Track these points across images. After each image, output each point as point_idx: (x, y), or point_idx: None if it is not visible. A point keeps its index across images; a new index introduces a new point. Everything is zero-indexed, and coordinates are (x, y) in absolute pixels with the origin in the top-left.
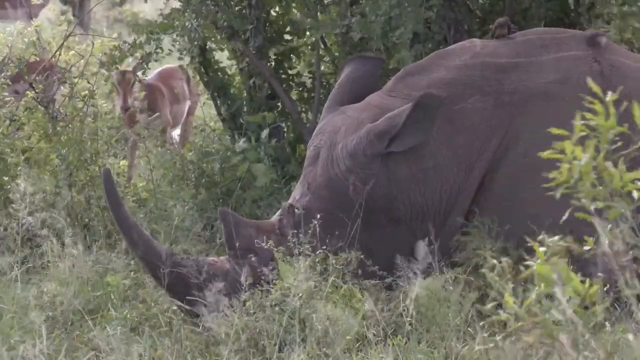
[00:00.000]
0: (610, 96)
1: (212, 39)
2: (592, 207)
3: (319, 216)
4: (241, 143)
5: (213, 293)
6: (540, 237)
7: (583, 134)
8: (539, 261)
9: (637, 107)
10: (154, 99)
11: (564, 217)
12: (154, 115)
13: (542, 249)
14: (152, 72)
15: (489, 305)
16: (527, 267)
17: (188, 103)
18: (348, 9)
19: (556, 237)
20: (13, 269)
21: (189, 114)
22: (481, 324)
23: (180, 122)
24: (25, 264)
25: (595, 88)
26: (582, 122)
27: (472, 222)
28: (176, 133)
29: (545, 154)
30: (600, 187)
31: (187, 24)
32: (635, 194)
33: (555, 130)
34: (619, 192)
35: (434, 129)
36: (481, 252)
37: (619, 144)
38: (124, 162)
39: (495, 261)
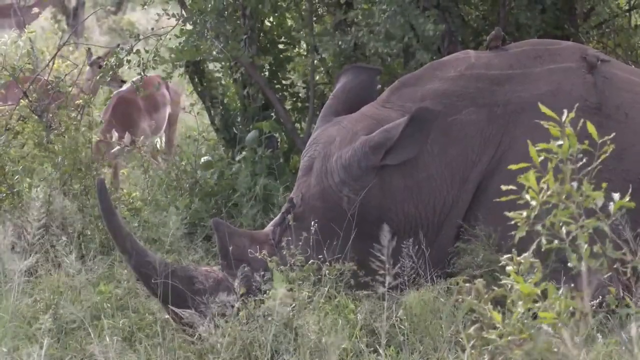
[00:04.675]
0: (566, 117)
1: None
2: (564, 232)
3: (318, 227)
4: (244, 153)
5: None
6: (509, 255)
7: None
8: (512, 280)
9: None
10: (129, 112)
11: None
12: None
13: (512, 267)
14: (128, 83)
15: (472, 328)
16: (500, 285)
17: (168, 110)
18: (342, 21)
19: (528, 254)
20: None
21: (171, 123)
22: (470, 344)
23: (161, 129)
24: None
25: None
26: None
27: (466, 233)
28: (157, 141)
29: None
30: (572, 206)
31: (214, 49)
32: (599, 203)
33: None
34: (592, 210)
35: (428, 141)
36: (470, 269)
37: (583, 161)
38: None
39: (468, 284)
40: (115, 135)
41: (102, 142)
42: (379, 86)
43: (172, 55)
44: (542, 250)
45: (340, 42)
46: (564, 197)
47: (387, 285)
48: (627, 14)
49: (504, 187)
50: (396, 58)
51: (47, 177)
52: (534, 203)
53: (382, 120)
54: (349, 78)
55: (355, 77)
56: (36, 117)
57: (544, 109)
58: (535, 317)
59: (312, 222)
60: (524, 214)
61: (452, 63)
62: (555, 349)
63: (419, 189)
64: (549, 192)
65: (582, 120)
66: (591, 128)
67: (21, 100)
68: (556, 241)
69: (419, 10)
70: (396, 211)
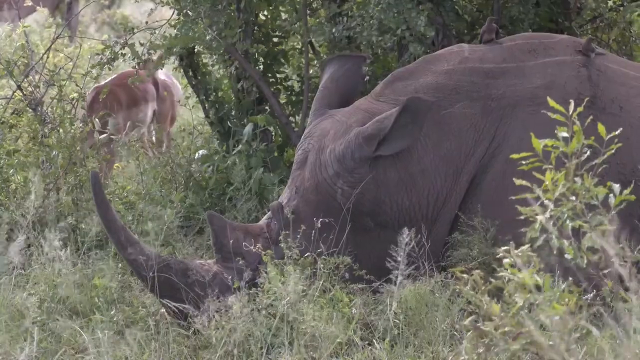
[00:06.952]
0: (574, 111)
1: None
2: (569, 227)
3: (316, 221)
4: (240, 147)
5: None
6: (506, 247)
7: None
8: (509, 272)
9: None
10: (108, 103)
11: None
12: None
13: (509, 260)
14: (111, 76)
15: (468, 320)
16: (497, 277)
17: (152, 106)
18: (336, 14)
19: (525, 247)
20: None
21: (160, 120)
22: (467, 335)
23: (144, 124)
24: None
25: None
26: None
27: (461, 226)
28: (142, 134)
29: (518, 182)
30: (575, 200)
31: (207, 36)
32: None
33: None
34: (595, 206)
35: (421, 133)
36: (465, 261)
37: (587, 154)
38: (116, 165)
39: (466, 275)
40: (97, 123)
41: (91, 132)
42: (367, 78)
43: (165, 42)
44: (540, 243)
45: (333, 30)
46: (569, 193)
47: (398, 283)
48: (621, 8)
49: (517, 181)
50: (390, 52)
51: (42, 171)
52: (547, 202)
53: (375, 114)
54: (334, 68)
55: (340, 67)
56: (31, 110)
57: (552, 102)
58: (530, 309)
59: (314, 218)
60: (536, 210)
61: (445, 57)
62: (552, 342)
63: (413, 182)
64: (562, 190)
65: (590, 117)
66: (601, 128)
67: (15, 94)
68: (565, 240)
69: (413, 4)
70: (390, 204)
